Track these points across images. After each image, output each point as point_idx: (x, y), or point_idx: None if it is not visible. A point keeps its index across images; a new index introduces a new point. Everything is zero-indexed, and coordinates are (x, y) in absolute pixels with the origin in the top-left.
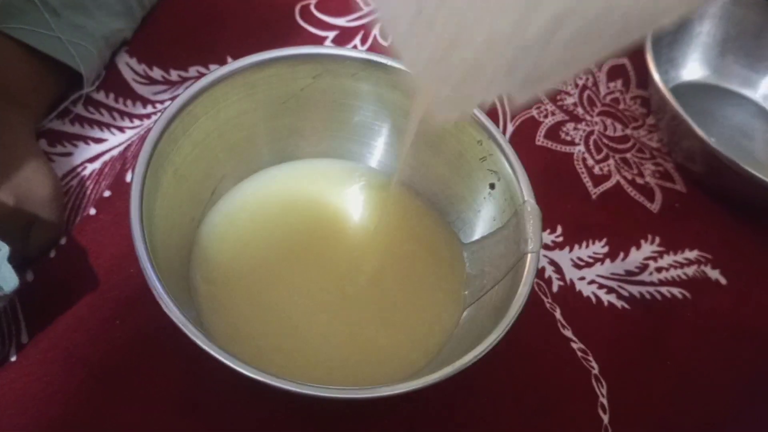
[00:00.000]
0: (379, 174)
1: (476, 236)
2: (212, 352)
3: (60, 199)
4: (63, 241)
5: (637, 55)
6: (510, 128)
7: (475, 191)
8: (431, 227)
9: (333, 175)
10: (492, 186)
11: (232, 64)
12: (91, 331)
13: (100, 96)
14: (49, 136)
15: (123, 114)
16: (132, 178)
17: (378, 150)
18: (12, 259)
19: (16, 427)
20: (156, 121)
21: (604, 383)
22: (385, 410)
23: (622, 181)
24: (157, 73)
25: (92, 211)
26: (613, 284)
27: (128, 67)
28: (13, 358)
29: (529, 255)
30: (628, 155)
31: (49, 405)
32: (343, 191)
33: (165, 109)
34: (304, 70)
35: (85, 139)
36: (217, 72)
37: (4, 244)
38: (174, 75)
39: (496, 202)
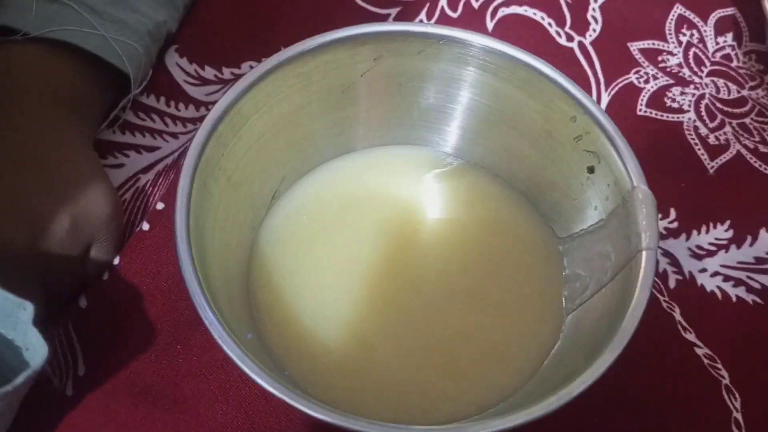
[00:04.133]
0: (455, 161)
1: (574, 230)
2: (274, 391)
3: (120, 218)
4: (116, 261)
5: (748, 1)
6: (605, 98)
7: (570, 176)
8: (522, 220)
9: (401, 165)
10: (591, 170)
11: (281, 54)
12: (152, 359)
13: (151, 100)
14: (98, 147)
15: (175, 119)
16: (177, 192)
17: (452, 135)
18: (67, 287)
19: None
20: (200, 125)
21: (737, 395)
22: None
23: (743, 151)
24: (209, 72)
25: (145, 227)
26: (742, 275)
27: (179, 67)
28: (70, 392)
29: (644, 253)
30: (746, 120)
31: None
32: (413, 182)
33: (211, 110)
34: (363, 53)
35: (137, 148)
36: (265, 64)
37: (28, 303)
38: (227, 73)
39: (596, 189)
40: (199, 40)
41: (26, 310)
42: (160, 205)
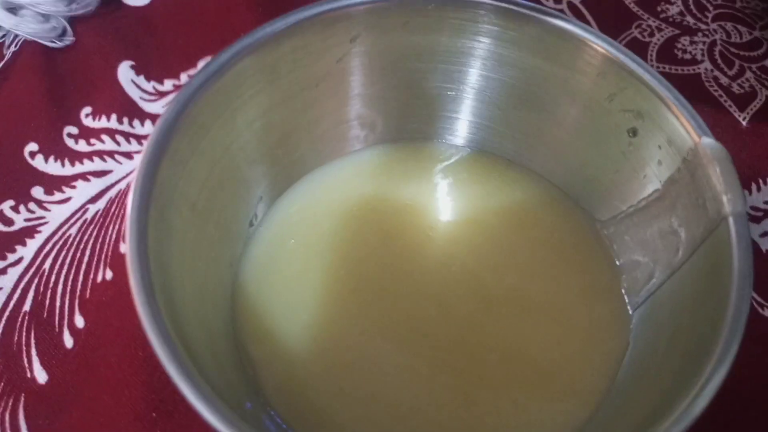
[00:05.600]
0: (463, 151)
1: (620, 209)
2: None
3: None
4: (80, 323)
5: None
6: None
7: (606, 146)
8: (553, 208)
9: (399, 164)
10: (632, 132)
11: (236, 44)
12: None
13: (101, 122)
14: (43, 184)
15: (129, 136)
16: (126, 227)
17: (456, 122)
18: None
19: None
20: (149, 141)
21: None
22: None
23: None
24: (168, 84)
25: (108, 275)
26: None
27: (134, 85)
28: None
29: (730, 219)
30: (767, 62)
31: None
32: (417, 182)
33: (158, 120)
34: (336, 34)
35: (84, 176)
36: (218, 58)
37: None
38: (184, 78)
39: (643, 154)
40: (156, 52)
41: None
42: (124, 247)
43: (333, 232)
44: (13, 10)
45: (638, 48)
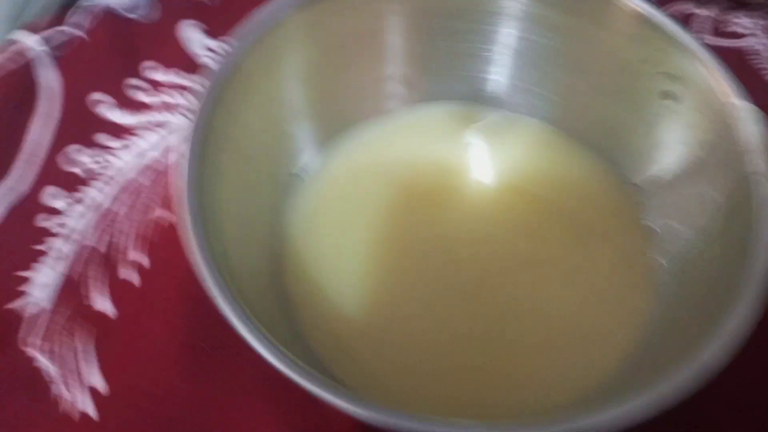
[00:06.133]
0: (499, 112)
1: (654, 173)
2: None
3: None
4: (145, 261)
5: None
6: None
7: (641, 109)
8: (587, 171)
9: (440, 123)
10: (666, 95)
11: None
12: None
13: (165, 74)
14: (105, 129)
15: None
16: (179, 161)
17: (495, 84)
18: None
19: None
20: (203, 88)
21: None
22: None
23: None
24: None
25: (174, 219)
26: None
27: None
28: (90, 411)
29: (761, 179)
30: None
31: None
32: (456, 142)
33: (211, 70)
34: None
35: (146, 126)
36: (264, 12)
37: None
38: None
39: (678, 118)
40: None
41: None
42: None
43: (371, 187)
44: None
45: (683, 18)
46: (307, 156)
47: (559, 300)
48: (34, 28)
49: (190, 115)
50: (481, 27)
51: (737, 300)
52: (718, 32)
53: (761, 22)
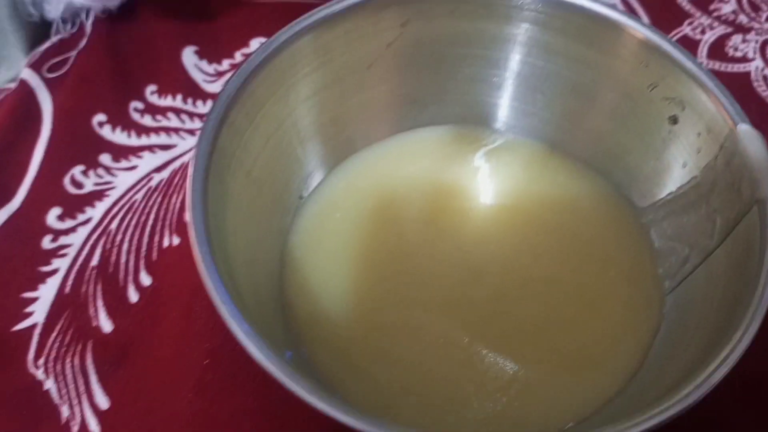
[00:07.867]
0: (505, 136)
1: (659, 196)
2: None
3: None
4: (147, 281)
5: None
6: None
7: (647, 134)
8: (593, 193)
9: (444, 147)
10: (673, 120)
11: (294, 25)
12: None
13: (167, 100)
14: (109, 151)
15: (193, 115)
16: (188, 183)
17: (498, 107)
18: None
19: None
20: (211, 109)
21: None
22: None
23: None
24: (225, 64)
25: (175, 241)
26: None
27: (197, 69)
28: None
29: (764, 203)
30: None
31: None
32: (460, 164)
33: (220, 93)
34: (387, 18)
35: (151, 148)
36: (276, 37)
37: None
38: (239, 57)
39: (683, 142)
40: (216, 36)
41: None
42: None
43: (377, 208)
44: None
45: (688, 45)
46: (315, 178)
47: (562, 320)
48: (32, 57)
49: (198, 138)
50: (488, 53)
51: (740, 322)
52: (724, 57)
53: (761, 44)
